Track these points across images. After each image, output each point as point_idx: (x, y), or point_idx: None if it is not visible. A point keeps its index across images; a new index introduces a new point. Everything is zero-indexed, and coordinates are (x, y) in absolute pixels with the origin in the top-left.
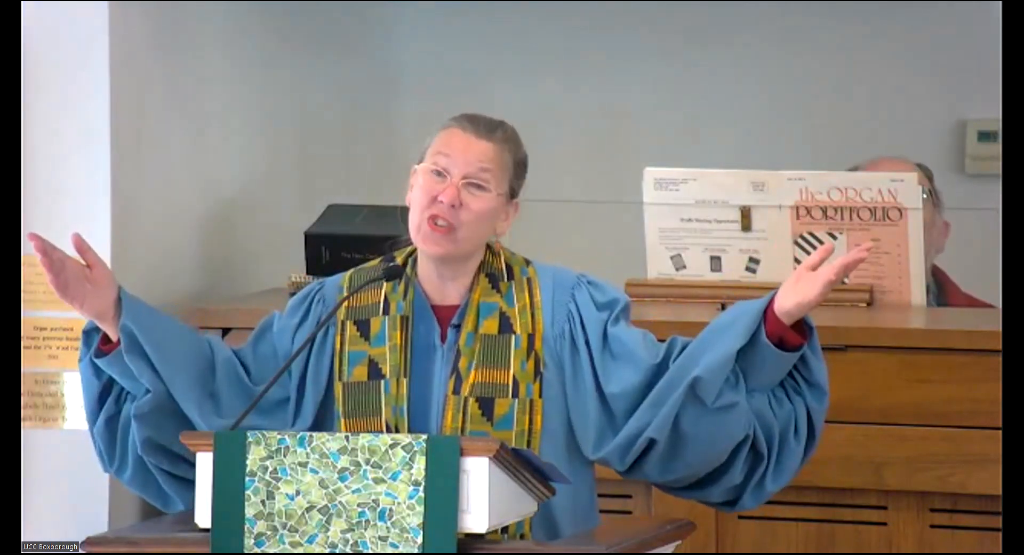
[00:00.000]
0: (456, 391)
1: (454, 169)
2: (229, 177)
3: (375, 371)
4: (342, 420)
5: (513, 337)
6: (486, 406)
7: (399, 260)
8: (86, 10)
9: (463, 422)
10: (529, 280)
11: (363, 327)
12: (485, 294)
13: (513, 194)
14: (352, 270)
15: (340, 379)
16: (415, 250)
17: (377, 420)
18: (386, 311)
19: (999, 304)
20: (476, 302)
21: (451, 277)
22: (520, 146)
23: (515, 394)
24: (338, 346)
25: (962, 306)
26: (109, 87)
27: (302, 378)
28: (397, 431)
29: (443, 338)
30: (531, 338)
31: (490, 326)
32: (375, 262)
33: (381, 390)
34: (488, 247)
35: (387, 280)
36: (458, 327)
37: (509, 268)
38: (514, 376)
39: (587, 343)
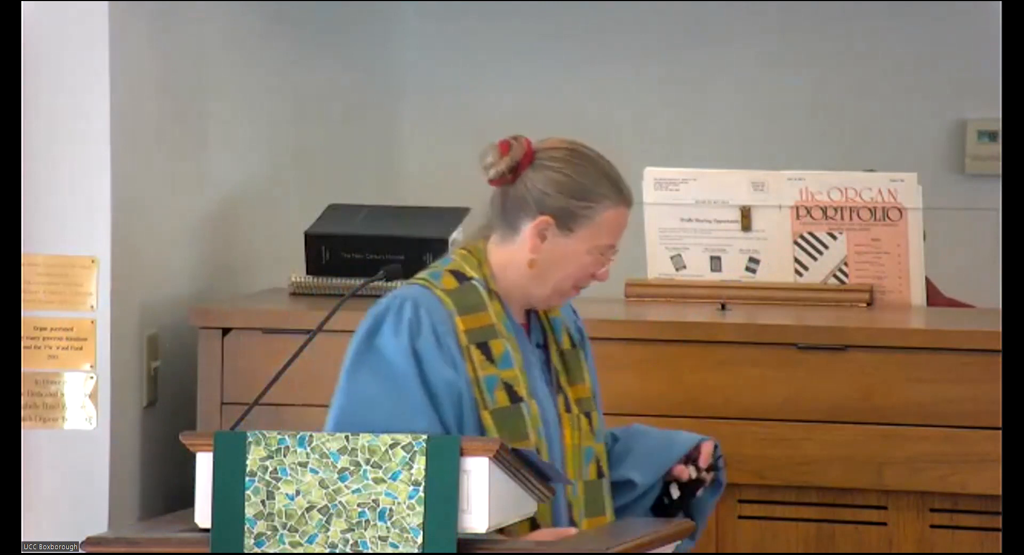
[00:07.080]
0: (568, 409)
1: (614, 250)
2: (229, 177)
3: (513, 394)
4: None
5: (581, 351)
6: (589, 420)
7: (472, 273)
8: (86, 10)
9: (580, 439)
10: None
11: (485, 350)
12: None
13: None
14: (443, 292)
15: (485, 408)
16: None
17: (527, 444)
18: (499, 333)
19: (988, 305)
20: (548, 318)
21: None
22: None
23: (596, 406)
24: (473, 374)
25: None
26: (109, 87)
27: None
28: (539, 452)
29: (544, 357)
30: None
31: (566, 341)
32: (453, 282)
33: (524, 413)
34: None
35: (386, 281)
36: (543, 345)
37: None
38: (591, 388)
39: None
